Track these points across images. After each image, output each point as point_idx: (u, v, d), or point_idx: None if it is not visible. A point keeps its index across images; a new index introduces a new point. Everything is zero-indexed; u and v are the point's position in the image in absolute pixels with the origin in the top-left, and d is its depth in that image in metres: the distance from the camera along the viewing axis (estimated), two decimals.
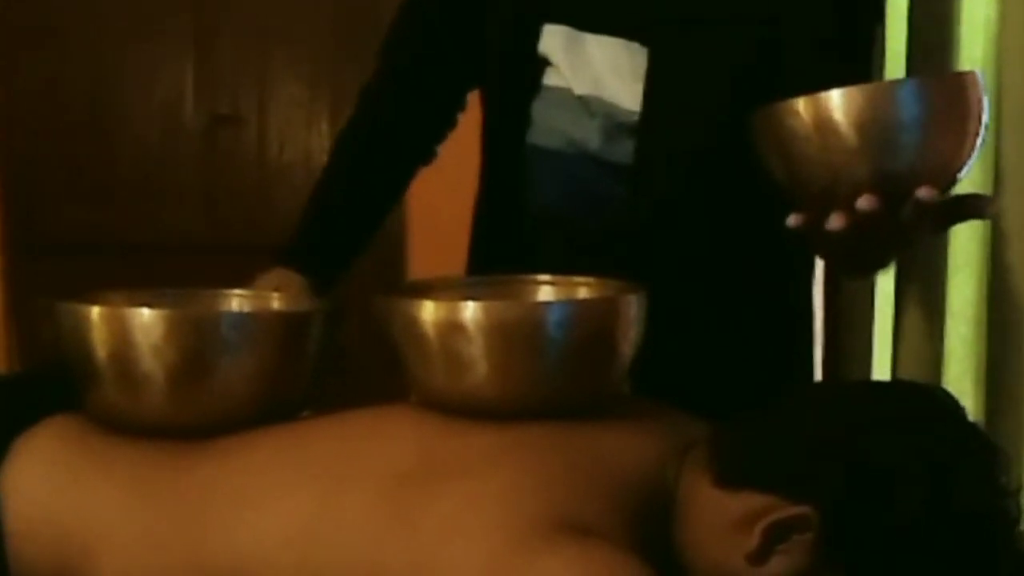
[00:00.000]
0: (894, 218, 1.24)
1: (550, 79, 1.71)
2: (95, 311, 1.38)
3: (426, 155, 1.90)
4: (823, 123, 1.25)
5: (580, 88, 1.68)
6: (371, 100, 1.88)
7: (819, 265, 1.97)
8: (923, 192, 1.22)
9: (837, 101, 1.24)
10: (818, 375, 2.14)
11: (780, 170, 1.33)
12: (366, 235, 1.88)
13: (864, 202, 1.22)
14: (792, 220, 1.29)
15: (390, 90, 1.86)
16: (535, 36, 1.69)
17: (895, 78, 1.94)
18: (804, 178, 1.29)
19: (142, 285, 1.57)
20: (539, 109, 1.72)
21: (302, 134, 3.63)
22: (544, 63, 1.70)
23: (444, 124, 1.90)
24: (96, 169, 3.65)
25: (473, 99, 1.88)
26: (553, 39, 1.69)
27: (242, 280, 1.68)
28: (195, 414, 1.40)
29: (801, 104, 1.26)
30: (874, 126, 1.24)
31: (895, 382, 2.03)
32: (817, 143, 1.26)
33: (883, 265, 1.55)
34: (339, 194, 1.86)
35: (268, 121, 3.62)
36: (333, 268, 1.82)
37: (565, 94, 1.69)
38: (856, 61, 1.63)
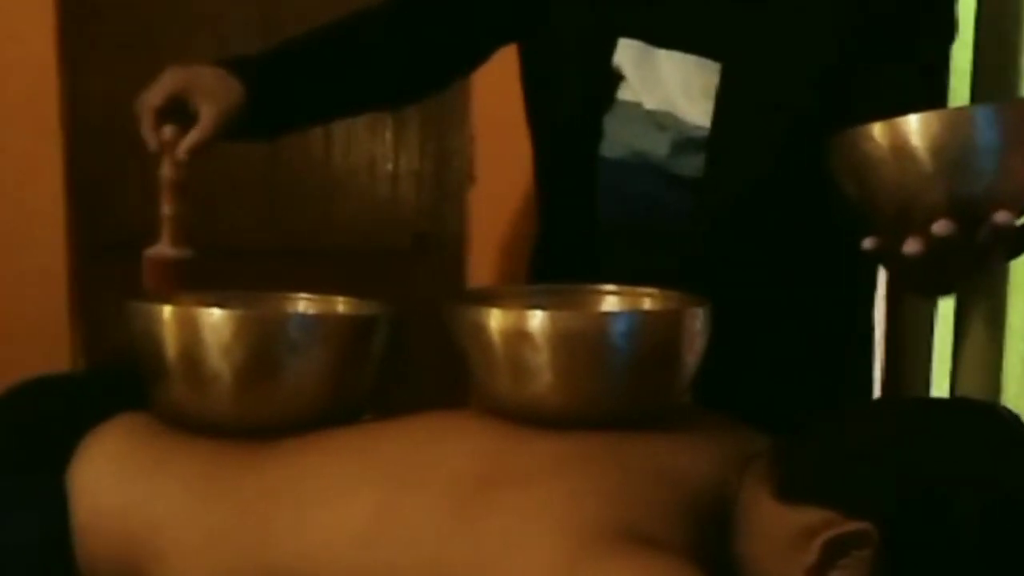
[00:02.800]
0: (970, 242, 1.25)
1: (623, 93, 1.71)
2: (167, 310, 1.41)
3: (390, 100, 1.94)
4: (900, 148, 1.26)
5: (650, 103, 1.69)
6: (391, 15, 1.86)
7: (881, 282, 1.97)
8: (1000, 216, 1.22)
9: (914, 126, 1.25)
10: (876, 391, 2.14)
11: (856, 193, 1.33)
12: (303, 111, 1.87)
13: (940, 227, 1.22)
14: (868, 243, 1.30)
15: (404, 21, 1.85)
16: (611, 50, 1.70)
17: (972, 104, 1.94)
18: (880, 202, 1.30)
19: (206, 287, 1.59)
20: (609, 122, 1.73)
21: (366, 139, 3.64)
22: (618, 77, 1.71)
23: (417, 85, 1.91)
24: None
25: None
26: (625, 53, 1.70)
27: (308, 284, 1.68)
28: (261, 414, 1.42)
29: (878, 129, 1.27)
30: (951, 151, 1.24)
31: (955, 399, 2.02)
32: (894, 167, 1.27)
33: (955, 288, 1.54)
34: (311, 55, 1.84)
35: (333, 126, 3.63)
36: (267, 99, 1.74)
37: (635, 108, 1.70)
38: (930, 82, 1.63)
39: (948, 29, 1.68)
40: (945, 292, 1.67)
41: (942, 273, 1.34)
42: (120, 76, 3.62)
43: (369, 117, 3.67)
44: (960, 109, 1.30)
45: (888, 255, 1.29)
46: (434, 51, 1.86)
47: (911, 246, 1.25)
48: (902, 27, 1.62)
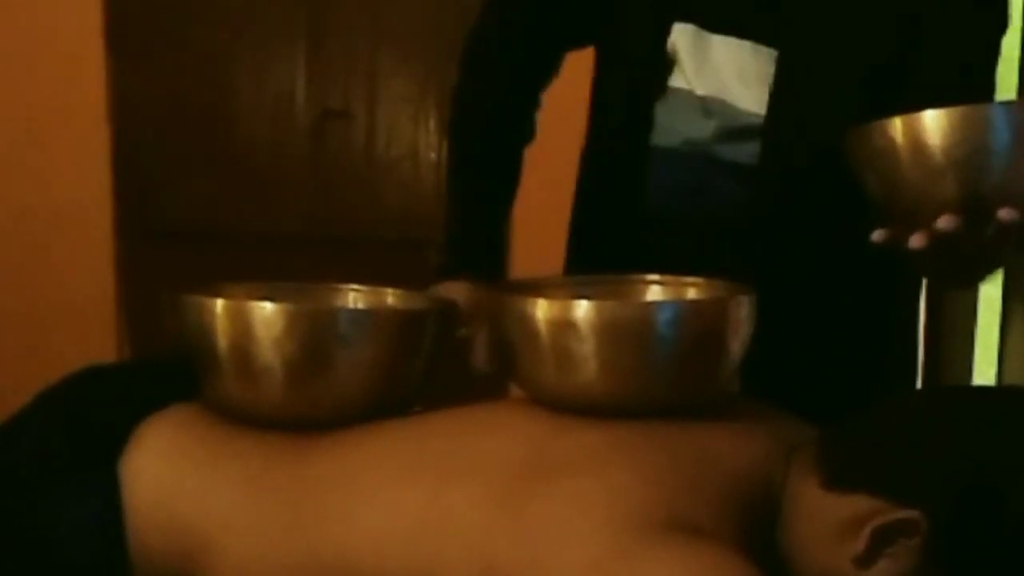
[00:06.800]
0: (978, 238, 1.26)
1: (675, 80, 1.71)
2: (219, 304, 1.42)
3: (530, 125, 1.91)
4: (913, 143, 1.28)
5: (701, 89, 1.69)
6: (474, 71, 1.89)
7: None
8: (1004, 213, 1.24)
9: (928, 122, 1.27)
10: (919, 380, 2.13)
11: (873, 187, 1.36)
12: (505, 215, 1.89)
13: (944, 221, 1.25)
14: (876, 236, 1.32)
15: (493, 51, 1.87)
16: (666, 35, 1.70)
17: (985, 103, 1.94)
18: (894, 196, 1.33)
19: (249, 275, 1.60)
20: (661, 110, 1.73)
21: (409, 130, 3.66)
22: (671, 63, 1.71)
23: (544, 80, 1.90)
24: (208, 160, 3.70)
25: (570, 96, 1.89)
26: (680, 37, 1.69)
27: (352, 273, 1.69)
28: (312, 407, 1.43)
29: (893, 124, 1.30)
30: (962, 148, 1.26)
31: (1004, 388, 2.01)
32: (907, 162, 1.29)
33: (973, 281, 1.56)
34: (474, 187, 1.87)
35: (377, 116, 3.66)
36: (496, 260, 1.81)
37: (687, 95, 1.70)
38: (983, 73, 1.63)
39: (1001, 19, 1.67)
40: (959, 286, 1.68)
41: (952, 267, 1.36)
42: (167, 67, 3.67)
43: (412, 106, 3.70)
44: (973, 107, 1.32)
45: (897, 248, 1.30)
46: (540, 82, 1.89)
47: (916, 240, 1.27)
48: (956, 15, 1.62)
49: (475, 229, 1.83)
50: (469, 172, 1.87)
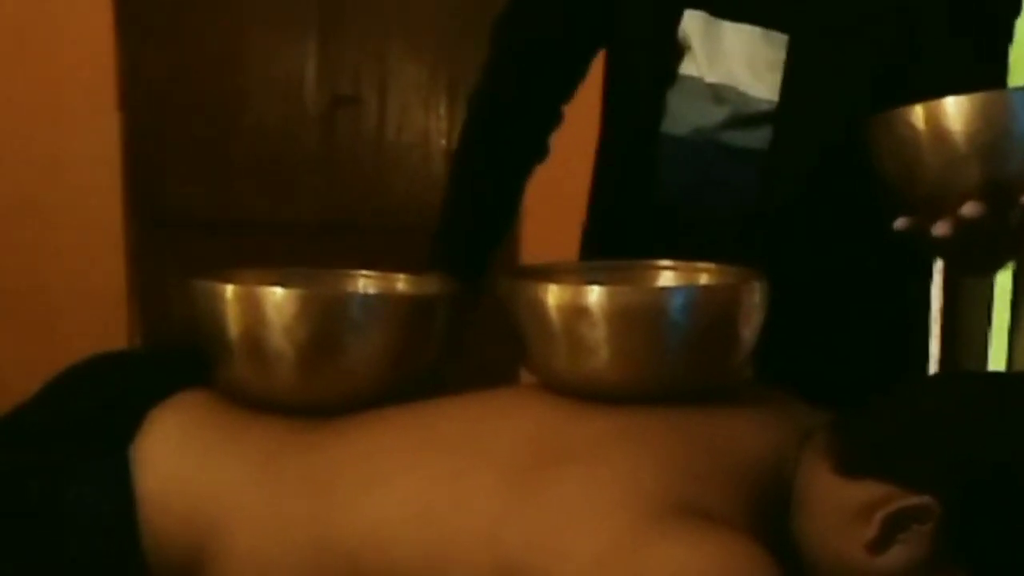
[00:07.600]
0: (1002, 224, 1.26)
1: (686, 68, 1.71)
2: (230, 289, 1.41)
3: (553, 120, 1.90)
4: (935, 130, 1.28)
5: (712, 76, 1.68)
6: (493, 80, 1.89)
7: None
8: None
9: (949, 109, 1.28)
10: (933, 367, 2.13)
11: (892, 174, 1.36)
12: (503, 225, 1.90)
13: (969, 208, 1.25)
14: (899, 223, 1.32)
15: (513, 64, 1.86)
16: (676, 22, 1.70)
17: (1007, 88, 1.94)
18: (915, 183, 1.33)
19: (261, 262, 1.60)
20: (672, 98, 1.73)
21: (420, 116, 3.67)
22: (682, 50, 1.70)
23: (570, 87, 1.89)
24: (218, 147, 3.71)
25: (586, 84, 1.89)
26: (691, 24, 1.69)
27: (362, 259, 1.69)
28: (323, 392, 1.43)
29: (914, 111, 1.30)
30: (984, 134, 1.26)
31: (1016, 374, 2.01)
32: (929, 150, 1.29)
33: (996, 267, 1.55)
34: (476, 189, 1.88)
35: (387, 103, 3.66)
36: (484, 263, 1.84)
37: (697, 83, 1.70)
38: (995, 57, 1.63)
39: (1014, 2, 1.67)
40: (982, 272, 1.67)
41: (975, 254, 1.36)
42: (177, 53, 3.68)
43: (423, 92, 3.71)
44: (996, 92, 1.32)
45: (920, 236, 1.30)
46: (561, 87, 1.88)
47: (940, 228, 1.27)
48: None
49: (459, 228, 1.85)
50: (471, 165, 1.88)
